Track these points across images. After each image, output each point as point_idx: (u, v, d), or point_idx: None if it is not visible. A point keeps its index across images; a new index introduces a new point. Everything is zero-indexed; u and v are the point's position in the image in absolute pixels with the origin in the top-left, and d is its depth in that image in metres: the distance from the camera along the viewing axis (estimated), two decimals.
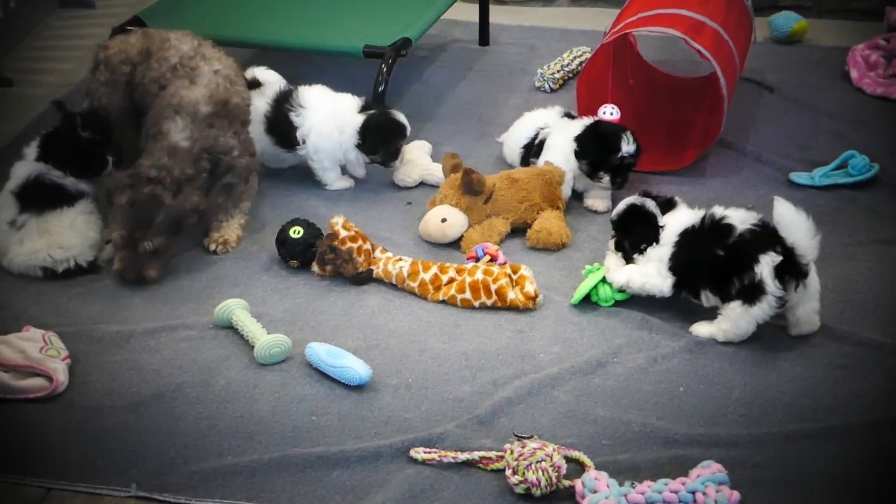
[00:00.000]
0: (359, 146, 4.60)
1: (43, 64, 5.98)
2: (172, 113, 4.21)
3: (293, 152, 4.69)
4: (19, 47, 6.11)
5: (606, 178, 4.53)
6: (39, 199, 4.20)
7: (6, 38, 6.01)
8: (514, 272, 4.03)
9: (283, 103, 4.65)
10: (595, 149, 4.51)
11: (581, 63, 5.62)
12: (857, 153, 4.80)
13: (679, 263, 3.87)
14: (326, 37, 5.10)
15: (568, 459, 3.29)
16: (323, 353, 3.69)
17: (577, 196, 4.65)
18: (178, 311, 4.00)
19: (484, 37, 6.13)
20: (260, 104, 4.65)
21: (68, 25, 6.43)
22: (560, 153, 4.56)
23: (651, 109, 5.18)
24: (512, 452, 3.25)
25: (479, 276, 4.01)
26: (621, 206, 4.05)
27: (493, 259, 4.13)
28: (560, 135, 4.61)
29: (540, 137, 4.69)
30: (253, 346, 3.76)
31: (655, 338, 3.87)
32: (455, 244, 4.34)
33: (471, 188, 4.34)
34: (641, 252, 3.95)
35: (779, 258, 3.68)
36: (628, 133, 4.49)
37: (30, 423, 3.47)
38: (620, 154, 4.48)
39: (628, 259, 4.00)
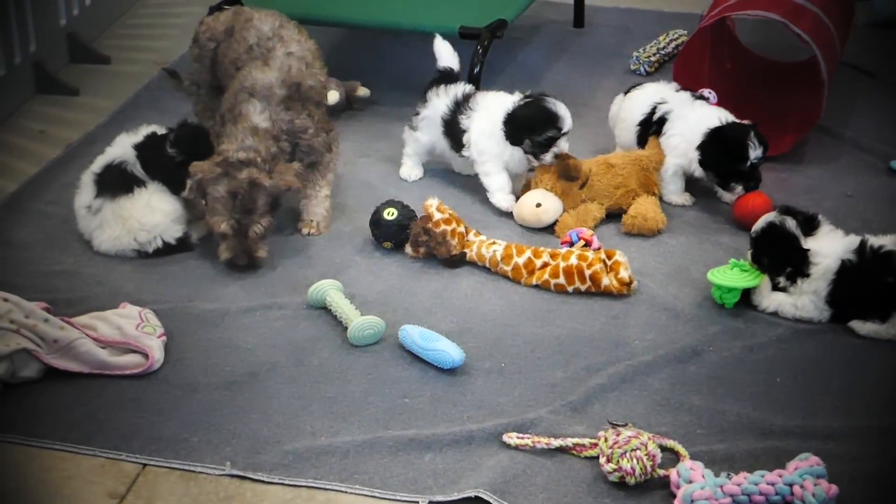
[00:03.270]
0: (505, 137, 4.39)
1: (140, 41, 6.04)
2: (248, 95, 4.18)
3: (463, 156, 4.53)
4: (116, 25, 6.17)
5: (740, 188, 4.36)
6: (114, 184, 4.20)
7: (104, 15, 6.06)
8: (609, 257, 4.00)
9: (459, 106, 4.50)
10: (721, 159, 4.34)
11: (677, 46, 5.57)
12: None
13: (839, 298, 3.80)
14: (422, 17, 5.10)
15: (662, 448, 3.26)
16: (416, 335, 3.69)
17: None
18: (273, 291, 4.02)
19: (579, 18, 6.10)
20: (440, 106, 4.54)
21: (165, 3, 6.48)
22: (682, 145, 4.43)
23: (749, 94, 5.11)
24: (606, 440, 3.23)
25: (573, 260, 3.98)
26: (761, 222, 3.91)
27: (587, 244, 4.10)
28: (683, 121, 4.47)
29: (659, 114, 4.55)
30: (346, 327, 3.77)
31: (751, 327, 3.83)
32: (549, 229, 4.32)
33: (567, 174, 4.31)
34: (790, 280, 3.86)
35: None
36: (753, 135, 4.30)
37: (126, 399, 3.50)
38: (749, 162, 4.31)
39: (770, 274, 3.90)
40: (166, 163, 4.24)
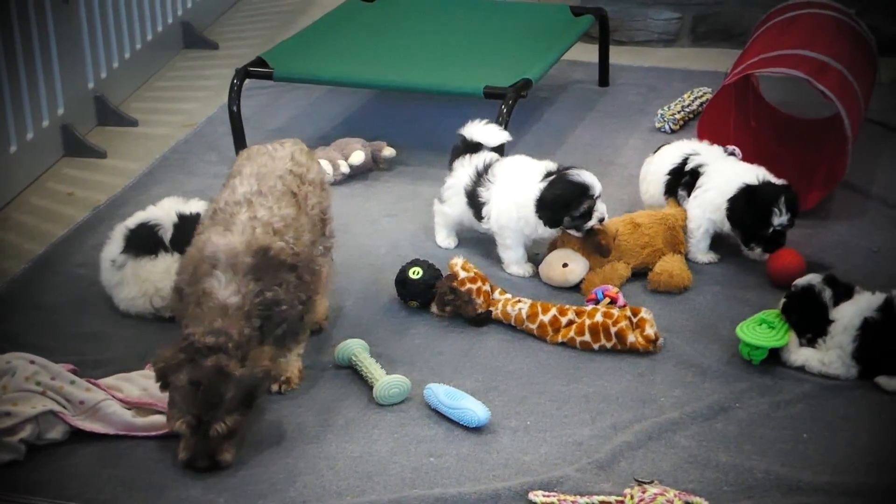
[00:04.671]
0: (545, 223, 4.32)
1: (167, 104, 6.09)
2: (210, 267, 3.58)
3: (482, 225, 4.49)
4: (144, 87, 6.23)
5: (758, 251, 4.38)
6: (142, 243, 4.20)
7: (132, 78, 6.13)
8: (635, 315, 3.99)
9: (481, 176, 4.46)
10: (747, 218, 4.35)
11: (702, 104, 5.59)
12: None
13: (867, 352, 3.80)
14: (447, 78, 5.14)
15: None
16: (442, 394, 3.69)
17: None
18: None
19: (604, 77, 6.12)
20: (463, 175, 4.50)
21: (193, 66, 6.54)
22: (719, 199, 4.41)
23: (774, 151, 5.12)
24: (632, 497, 3.23)
25: (598, 318, 3.99)
26: (803, 281, 3.94)
27: (613, 301, 4.10)
28: (720, 175, 4.45)
29: (692, 165, 4.54)
30: (372, 387, 3.77)
31: (779, 383, 3.82)
32: (575, 287, 4.32)
33: (599, 251, 4.30)
34: (810, 343, 3.88)
35: None
36: (783, 200, 4.30)
37: (152, 461, 3.51)
38: (773, 228, 4.32)
39: (795, 330, 3.91)
40: None
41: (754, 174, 4.40)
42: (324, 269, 3.95)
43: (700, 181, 4.49)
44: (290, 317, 3.71)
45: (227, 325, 3.50)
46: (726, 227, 4.42)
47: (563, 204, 4.26)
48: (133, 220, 4.30)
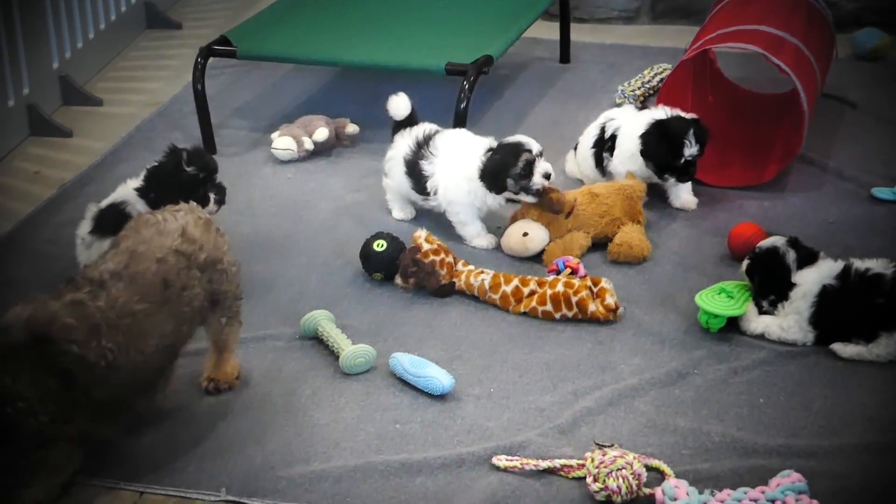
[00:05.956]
0: (489, 190, 4.41)
1: (131, 84, 6.12)
2: None
3: (428, 201, 4.58)
4: (109, 67, 6.25)
5: (672, 180, 4.63)
6: (108, 223, 4.20)
7: (96, 58, 6.16)
8: (595, 284, 4.07)
9: (420, 148, 4.55)
10: (660, 151, 4.57)
11: (662, 80, 5.65)
12: None
13: (823, 318, 3.88)
14: (409, 55, 5.18)
15: (648, 468, 3.33)
16: (406, 362, 3.76)
17: (657, 207, 4.71)
18: (265, 323, 4.08)
19: (565, 55, 6.19)
20: (403, 147, 4.60)
21: (156, 46, 6.57)
22: (630, 147, 4.64)
23: (732, 125, 5.21)
24: (593, 460, 3.30)
25: (559, 288, 4.06)
26: (767, 242, 4.05)
27: (573, 272, 4.18)
28: (630, 127, 4.67)
29: (610, 131, 4.74)
30: (338, 356, 3.83)
31: (736, 350, 3.90)
32: (536, 258, 4.39)
33: (552, 208, 4.38)
34: (772, 305, 3.97)
35: None
36: (692, 133, 4.53)
37: (122, 432, 3.52)
38: (684, 159, 4.55)
39: (756, 293, 4.01)
40: (184, 181, 4.22)
41: (663, 111, 4.62)
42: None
43: (617, 142, 4.69)
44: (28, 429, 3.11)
45: None
46: (647, 173, 4.62)
47: (502, 165, 4.35)
48: (105, 201, 4.32)
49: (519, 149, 4.35)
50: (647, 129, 4.59)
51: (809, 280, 3.92)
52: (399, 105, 4.65)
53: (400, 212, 4.73)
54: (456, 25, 5.52)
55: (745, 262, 4.05)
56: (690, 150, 4.54)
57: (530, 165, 4.34)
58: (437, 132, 4.58)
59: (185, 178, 4.22)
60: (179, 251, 3.46)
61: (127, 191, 4.29)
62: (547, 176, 4.36)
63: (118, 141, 5.43)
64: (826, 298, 3.88)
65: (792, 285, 3.93)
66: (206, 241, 3.55)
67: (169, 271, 3.41)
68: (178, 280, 3.43)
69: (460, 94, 4.83)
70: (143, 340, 3.32)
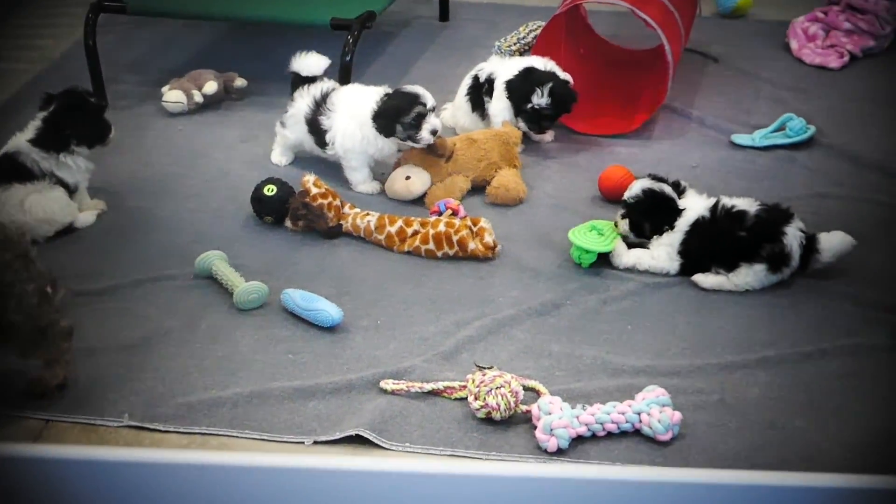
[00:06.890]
0: (379, 132, 4.59)
1: (24, 41, 6.18)
2: None
3: (326, 152, 4.73)
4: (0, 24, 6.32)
5: (522, 124, 4.87)
6: (2, 174, 4.31)
7: None
8: (475, 224, 4.28)
9: (319, 105, 4.70)
10: (514, 93, 4.85)
11: (536, 36, 5.86)
12: (795, 116, 5.11)
13: (691, 248, 4.14)
14: (295, 10, 5.31)
15: (525, 388, 3.55)
16: (298, 297, 3.95)
17: (533, 153, 4.96)
18: (162, 264, 4.23)
19: (444, 13, 6.41)
20: (303, 105, 4.74)
21: (47, 2, 6.61)
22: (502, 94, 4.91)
23: (603, 78, 5.48)
24: (473, 381, 3.51)
25: (441, 228, 4.27)
26: (637, 189, 4.22)
27: (454, 213, 4.38)
28: (507, 71, 4.93)
29: (483, 77, 5.01)
30: (232, 293, 4.00)
31: (606, 282, 4.15)
32: (419, 200, 4.60)
33: (433, 151, 4.60)
34: (661, 234, 4.20)
35: (801, 233, 4.05)
36: (548, 86, 4.78)
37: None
38: (531, 105, 4.80)
39: (640, 235, 4.24)
40: (91, 112, 4.41)
41: (542, 62, 4.90)
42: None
43: (495, 84, 4.94)
44: None
45: None
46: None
47: (395, 111, 4.54)
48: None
49: (414, 99, 4.55)
50: (515, 73, 4.85)
51: (695, 208, 4.17)
52: (311, 63, 4.79)
53: (280, 157, 4.92)
54: None
55: (630, 204, 4.21)
56: (539, 100, 4.78)
57: (421, 118, 4.53)
58: (333, 89, 4.74)
59: (92, 107, 4.41)
60: None
61: (20, 142, 4.39)
62: (434, 132, 4.56)
63: (8, 96, 5.51)
64: (697, 229, 4.14)
65: (681, 211, 4.17)
66: None
67: None
68: None
69: (345, 48, 4.99)
70: None
